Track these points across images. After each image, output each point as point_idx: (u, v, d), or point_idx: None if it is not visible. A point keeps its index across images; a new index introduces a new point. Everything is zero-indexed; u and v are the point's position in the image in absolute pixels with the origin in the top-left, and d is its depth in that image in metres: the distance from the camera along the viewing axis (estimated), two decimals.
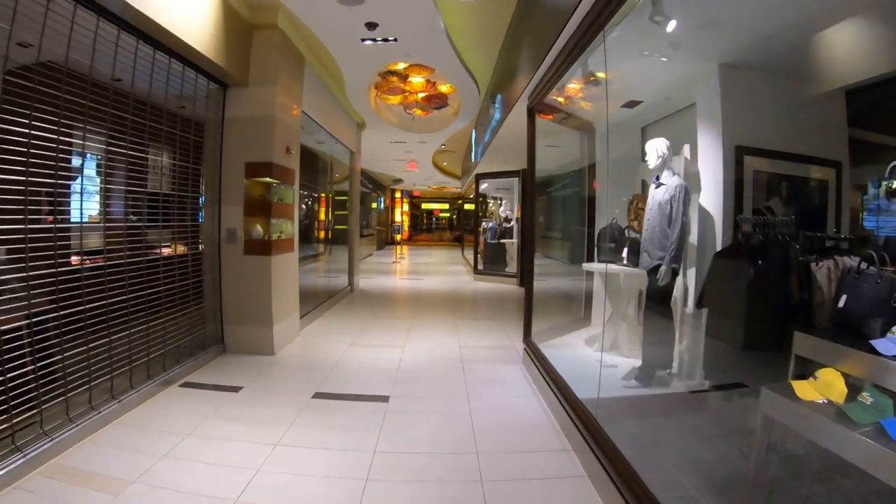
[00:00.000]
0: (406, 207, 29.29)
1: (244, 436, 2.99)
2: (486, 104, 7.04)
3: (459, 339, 5.50)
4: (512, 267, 10.67)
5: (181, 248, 4.39)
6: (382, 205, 22.48)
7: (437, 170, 16.53)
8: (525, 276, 4.79)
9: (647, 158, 3.63)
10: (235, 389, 3.82)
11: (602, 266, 4.48)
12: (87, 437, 2.89)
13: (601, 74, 3.80)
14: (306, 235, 7.21)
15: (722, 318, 2.89)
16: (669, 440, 2.84)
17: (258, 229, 4.81)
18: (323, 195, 7.75)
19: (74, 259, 3.11)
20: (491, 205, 14.18)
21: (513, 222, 11.37)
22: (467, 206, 22.69)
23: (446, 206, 33.44)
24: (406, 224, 29.66)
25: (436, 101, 7.86)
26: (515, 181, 11.05)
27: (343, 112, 7.95)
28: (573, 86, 4.91)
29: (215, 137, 4.81)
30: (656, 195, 3.55)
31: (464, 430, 3.13)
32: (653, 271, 3.46)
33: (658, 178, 3.60)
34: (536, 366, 4.06)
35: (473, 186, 12.38)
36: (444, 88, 7.51)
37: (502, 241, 11.19)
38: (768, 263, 2.65)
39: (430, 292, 9.19)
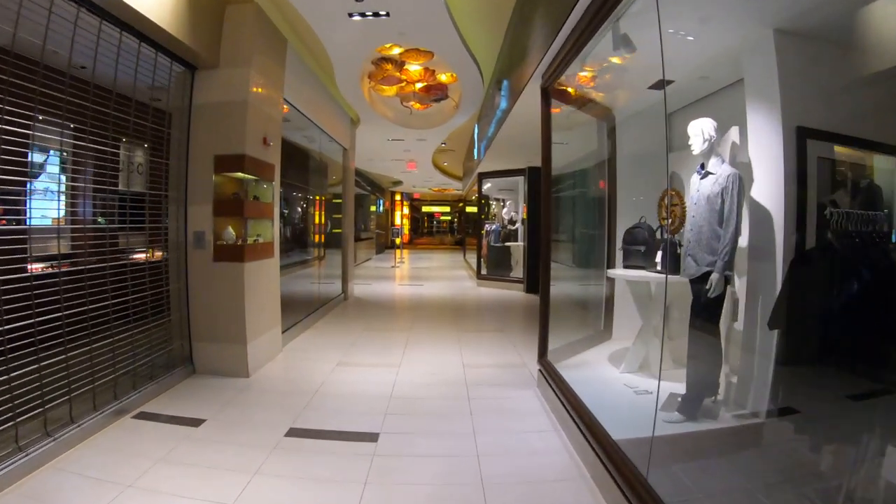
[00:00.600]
0: (406, 210, 28.70)
1: (194, 491, 2.35)
2: (490, 93, 6.42)
3: (463, 355, 4.86)
4: (517, 272, 10.02)
5: (141, 255, 3.77)
6: (381, 207, 21.87)
7: (438, 170, 15.92)
8: (540, 286, 4.14)
9: (690, 143, 2.99)
10: (196, 423, 3.19)
11: (634, 273, 3.84)
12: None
13: (626, 51, 3.18)
14: (296, 239, 6.60)
15: (807, 343, 2.24)
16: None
17: (230, 232, 4.19)
18: (315, 197, 7.13)
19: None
20: (493, 206, 13.55)
21: (518, 224, 10.74)
22: (469, 209, 22.10)
23: (447, 208, 32.84)
24: (406, 227, 29.08)
25: (435, 91, 7.25)
26: (520, 180, 10.41)
27: (335, 106, 7.33)
28: (588, 70, 4.30)
29: (181, 127, 4.19)
30: (703, 187, 2.91)
31: (470, 481, 2.48)
32: (700, 279, 2.82)
33: (703, 166, 2.96)
34: (555, 391, 3.41)
35: (475, 187, 11.76)
36: (443, 78, 6.89)
37: (506, 244, 10.55)
38: (871, 272, 2.01)
39: (431, 300, 8.55)
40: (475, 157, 9.52)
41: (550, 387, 3.54)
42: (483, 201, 12.66)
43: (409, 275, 13.11)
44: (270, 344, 4.68)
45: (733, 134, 3.10)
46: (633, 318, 4.44)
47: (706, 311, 2.83)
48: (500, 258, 10.48)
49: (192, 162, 4.23)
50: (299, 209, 6.68)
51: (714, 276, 2.72)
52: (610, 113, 4.84)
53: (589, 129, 5.29)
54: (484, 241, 10.97)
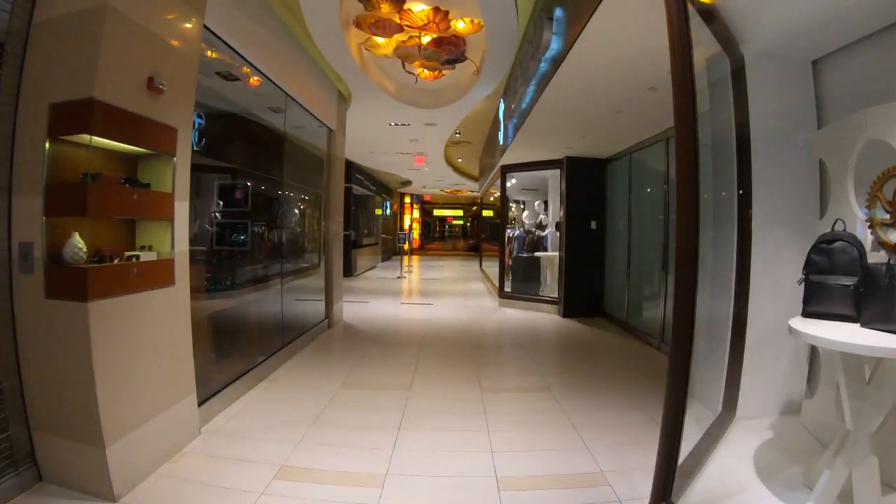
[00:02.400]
0: (416, 214, 26.79)
1: None
2: (530, 39, 4.46)
3: (494, 451, 2.88)
4: (552, 290, 8.02)
5: None
6: (388, 210, 19.96)
7: (451, 168, 13.97)
8: (675, 337, 2.06)
9: None
10: None
11: (834, 335, 1.86)
12: None
13: None
14: (257, 247, 4.72)
15: None
16: None
17: (74, 244, 2.28)
18: (287, 192, 5.23)
19: None
20: (513, 209, 11.52)
21: (549, 230, 8.74)
22: (485, 213, 20.11)
23: (460, 212, 30.91)
24: (416, 232, 27.17)
25: (448, 48, 5.31)
26: (550, 176, 8.42)
27: (313, 69, 5.44)
28: None
29: (14, 64, 2.34)
30: None
31: None
32: None
33: None
34: None
35: (497, 183, 9.79)
36: (460, 26, 4.95)
37: (535, 254, 8.55)
38: None
39: (442, 329, 6.58)
40: (499, 143, 7.55)
41: None
42: (511, 205, 10.66)
43: (416, 288, 11.15)
44: (169, 432, 2.75)
45: None
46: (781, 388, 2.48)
47: None
48: (527, 272, 8.49)
49: (22, 119, 2.36)
50: (254, 203, 4.78)
51: None
52: (733, 43, 2.85)
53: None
54: (507, 249, 8.98)
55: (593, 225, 7.32)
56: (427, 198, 26.50)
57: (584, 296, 7.26)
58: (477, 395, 3.82)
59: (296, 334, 5.20)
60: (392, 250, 20.31)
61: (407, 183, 19.09)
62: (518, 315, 7.53)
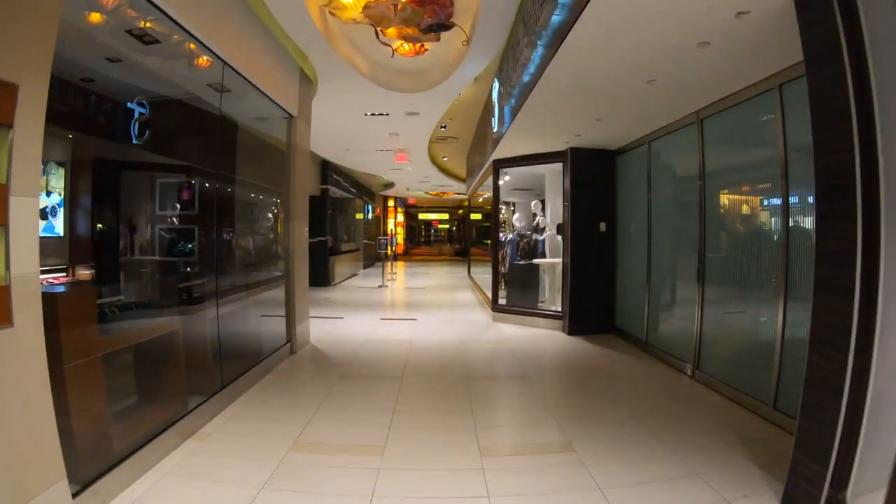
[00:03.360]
0: (400, 218, 25.71)
1: None
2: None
3: None
4: (553, 301, 7.03)
5: None
6: (371, 214, 18.84)
7: (436, 167, 12.95)
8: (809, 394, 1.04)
9: None
10: None
11: None
12: None
13: None
14: (195, 259, 3.67)
15: None
16: None
17: None
18: (230, 190, 4.16)
19: None
20: (503, 210, 10.50)
21: (548, 232, 7.75)
22: (473, 216, 19.13)
23: (446, 216, 29.93)
24: (401, 236, 26.07)
25: (432, 8, 4.28)
26: (549, 172, 7.44)
27: (270, 44, 4.37)
28: None
29: None
30: None
31: None
32: None
33: None
34: None
35: (488, 182, 8.79)
36: None
37: (535, 261, 7.54)
38: None
39: (427, 353, 5.52)
40: (492, 132, 6.54)
41: None
42: (502, 206, 9.65)
43: (399, 300, 10.08)
44: None
45: None
46: None
47: None
48: (524, 281, 7.48)
49: None
50: (197, 203, 3.70)
51: None
52: None
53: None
54: (501, 254, 7.96)
55: (602, 227, 6.34)
56: (411, 201, 25.47)
57: (592, 309, 6.27)
58: (475, 462, 2.78)
59: (245, 367, 4.10)
60: (375, 256, 19.19)
61: (389, 185, 18.02)
62: (516, 332, 6.51)
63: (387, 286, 11.92)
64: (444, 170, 13.91)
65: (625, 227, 6.16)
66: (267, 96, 4.51)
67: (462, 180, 15.01)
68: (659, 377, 4.50)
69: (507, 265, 7.86)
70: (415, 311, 8.34)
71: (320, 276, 11.48)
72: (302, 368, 4.83)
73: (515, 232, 8.92)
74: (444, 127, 9.00)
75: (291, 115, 5.17)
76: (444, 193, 20.92)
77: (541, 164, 6.83)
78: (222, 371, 3.74)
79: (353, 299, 9.78)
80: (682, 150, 4.70)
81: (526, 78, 4.05)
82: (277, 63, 4.69)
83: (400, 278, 14.19)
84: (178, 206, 3.71)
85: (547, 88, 3.81)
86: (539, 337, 6.20)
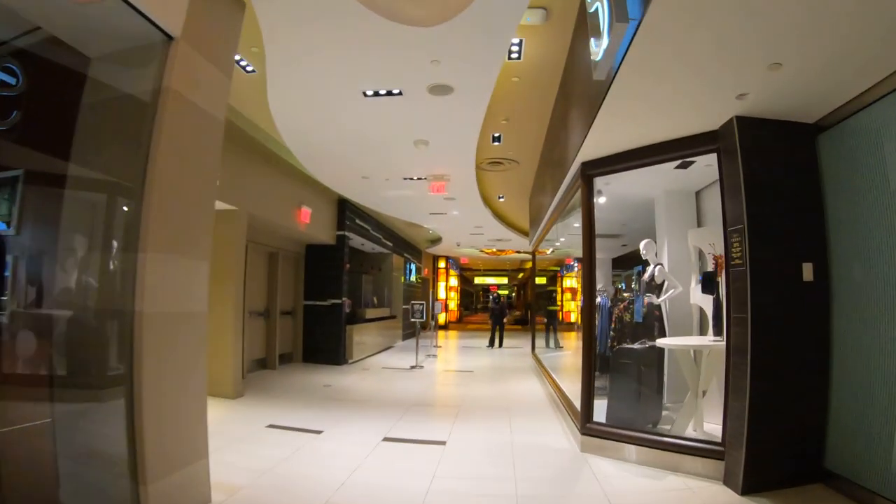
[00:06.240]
0: (454, 282, 22.82)
1: None
2: None
3: None
4: (689, 413, 3.69)
5: None
6: (413, 275, 16.06)
7: (490, 211, 10.10)
8: None
9: None
10: None
11: None
12: None
13: None
14: None
15: None
16: None
17: None
18: None
19: None
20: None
21: (671, 291, 4.51)
22: (539, 280, 15.88)
23: (504, 279, 26.82)
24: (455, 302, 23.09)
25: None
26: (665, 195, 4.36)
27: None
28: None
29: None
30: None
31: None
32: None
33: None
34: None
35: (555, 230, 5.80)
36: None
37: (659, 342, 4.28)
38: None
39: None
40: (590, 79, 3.63)
41: None
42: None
43: (432, 393, 6.94)
44: None
45: None
46: None
47: None
48: (638, 380, 4.19)
49: None
50: None
51: None
52: None
53: None
54: (597, 326, 4.75)
55: (807, 272, 3.09)
56: (464, 261, 22.67)
57: (784, 436, 2.92)
58: None
59: None
60: (423, 326, 16.18)
61: (436, 240, 15.35)
62: (630, 486, 3.19)
63: (422, 367, 8.82)
64: (500, 216, 11.07)
65: (847, 272, 2.89)
66: None
67: (524, 233, 12.05)
68: None
69: (602, 347, 4.64)
70: (448, 418, 5.17)
71: (331, 352, 8.66)
72: None
73: (604, 294, 5.75)
74: (506, 121, 6.04)
75: (168, 35, 2.52)
76: (501, 252, 17.98)
77: (673, 156, 3.74)
78: None
79: (364, 390, 6.75)
80: None
81: None
82: None
83: (444, 355, 11.05)
84: None
85: None
86: (683, 500, 2.85)
